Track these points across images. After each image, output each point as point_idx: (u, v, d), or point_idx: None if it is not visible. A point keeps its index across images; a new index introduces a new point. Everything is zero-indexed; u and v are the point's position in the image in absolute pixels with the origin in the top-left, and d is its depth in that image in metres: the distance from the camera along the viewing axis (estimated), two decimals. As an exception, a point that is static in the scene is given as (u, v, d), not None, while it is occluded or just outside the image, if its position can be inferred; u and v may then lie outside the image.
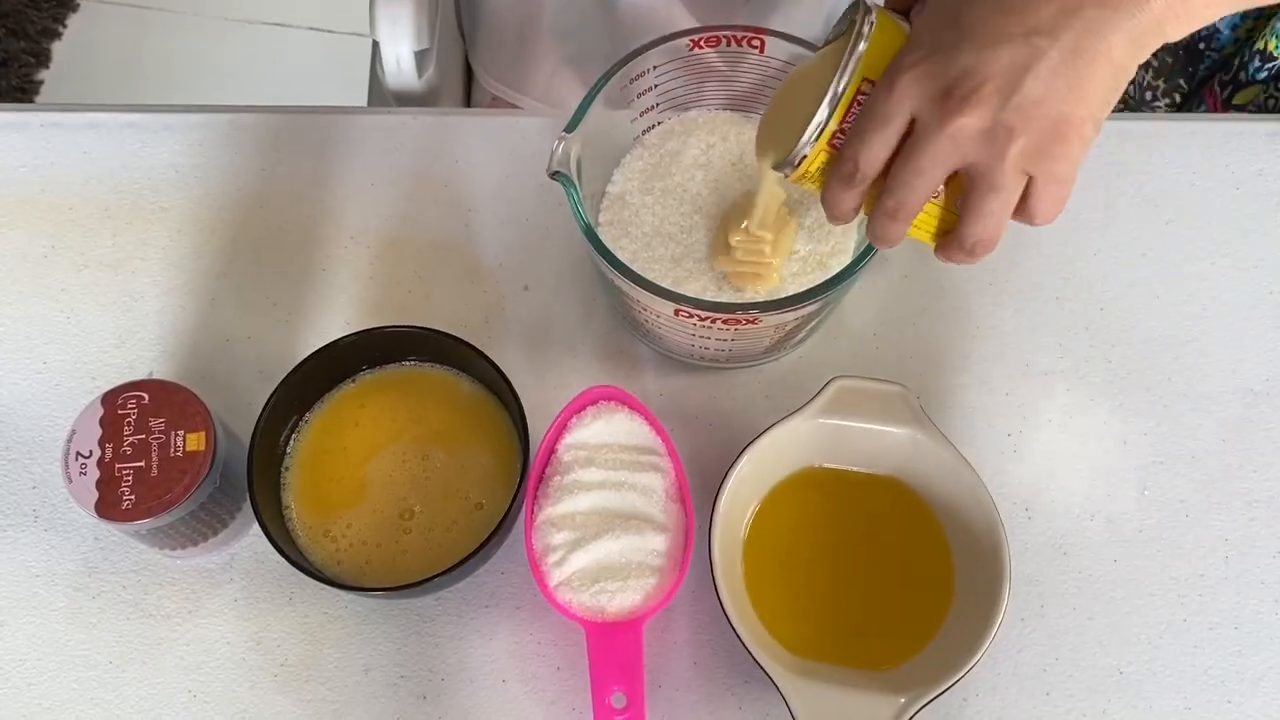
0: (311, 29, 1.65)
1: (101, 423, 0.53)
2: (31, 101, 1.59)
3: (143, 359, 0.63)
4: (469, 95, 0.91)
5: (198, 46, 1.64)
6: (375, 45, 0.75)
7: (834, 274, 0.54)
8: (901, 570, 0.56)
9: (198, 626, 0.57)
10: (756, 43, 0.58)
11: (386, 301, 0.64)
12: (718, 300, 0.53)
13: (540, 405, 0.60)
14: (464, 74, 0.89)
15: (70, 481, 0.52)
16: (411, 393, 0.58)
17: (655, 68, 0.59)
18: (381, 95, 0.77)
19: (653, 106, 0.61)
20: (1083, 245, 0.66)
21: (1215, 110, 0.80)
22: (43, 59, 1.65)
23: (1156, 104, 0.84)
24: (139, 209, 0.67)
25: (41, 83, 1.63)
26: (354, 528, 0.56)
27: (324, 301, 0.64)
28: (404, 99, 0.75)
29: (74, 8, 1.68)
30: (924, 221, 0.48)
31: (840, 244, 0.59)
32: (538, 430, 0.56)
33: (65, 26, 1.67)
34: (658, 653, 0.57)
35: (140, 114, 0.69)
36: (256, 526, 0.53)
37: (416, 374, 0.59)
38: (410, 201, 0.67)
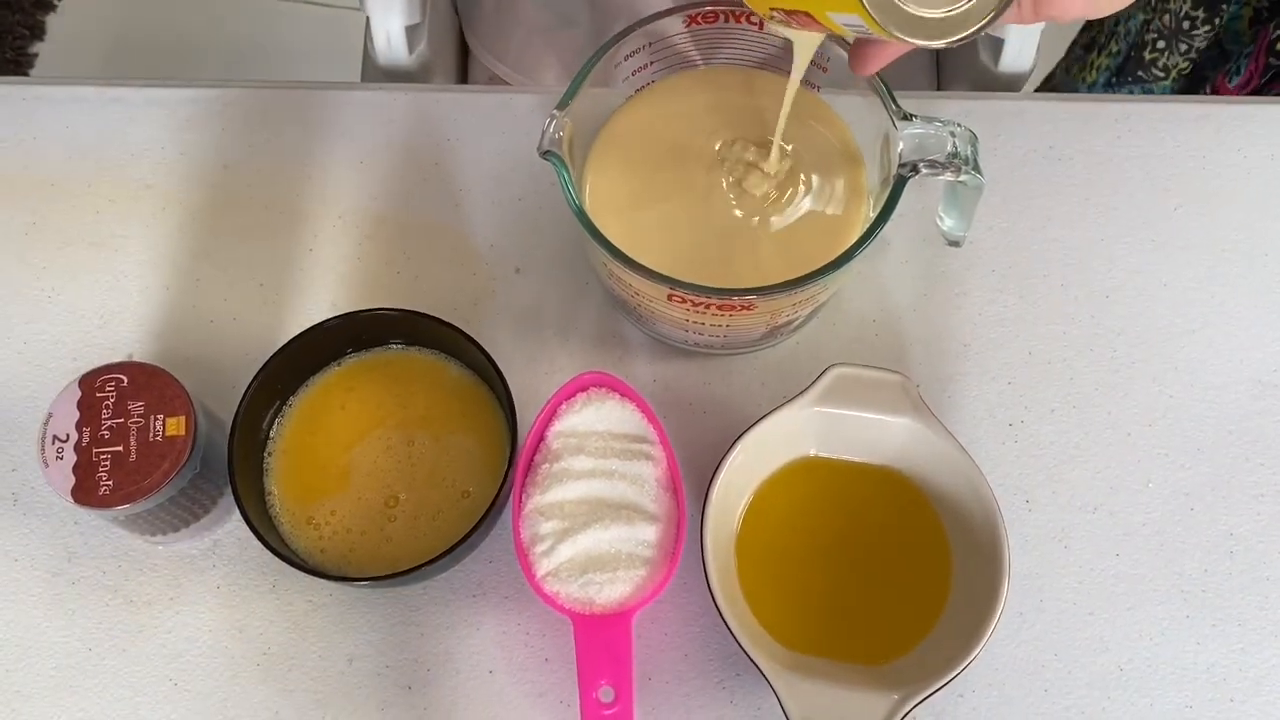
0: (308, 2, 1.62)
1: (79, 406, 0.52)
2: (26, 75, 1.57)
3: (125, 339, 0.62)
4: (465, 73, 0.89)
5: (195, 19, 1.62)
6: (368, 20, 0.73)
7: (831, 259, 0.52)
8: (898, 563, 0.55)
9: (179, 614, 0.56)
10: (755, 19, 0.56)
11: (374, 282, 0.63)
12: (712, 285, 0.51)
13: (530, 391, 0.59)
14: (458, 51, 0.88)
15: (47, 466, 0.51)
16: (397, 377, 0.57)
17: (650, 44, 0.57)
18: (375, 71, 0.75)
19: (648, 85, 0.59)
20: (1088, 230, 0.64)
21: (1260, 58, 0.77)
22: (37, 31, 1.63)
23: (1195, 33, 0.81)
24: (123, 185, 0.65)
25: (36, 55, 1.61)
26: (338, 515, 0.54)
27: (310, 282, 0.63)
28: (395, 75, 0.73)
29: (69, -21, 1.66)
30: None
31: (838, 227, 0.57)
32: (526, 417, 0.54)
33: (60, -1, 1.65)
34: (647, 645, 0.55)
35: (126, 88, 0.68)
36: (238, 512, 0.52)
37: (403, 358, 0.57)
38: (400, 180, 0.65)
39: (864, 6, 0.41)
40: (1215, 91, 0.84)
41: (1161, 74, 0.86)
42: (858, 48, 0.51)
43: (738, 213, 0.57)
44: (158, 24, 1.62)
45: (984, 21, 0.42)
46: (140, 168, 0.66)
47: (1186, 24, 0.82)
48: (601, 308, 0.62)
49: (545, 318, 0.62)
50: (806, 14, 0.45)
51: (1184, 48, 0.84)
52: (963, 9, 0.42)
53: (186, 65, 1.58)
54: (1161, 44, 0.85)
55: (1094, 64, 0.92)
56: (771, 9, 0.48)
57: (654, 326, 0.59)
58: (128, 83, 0.68)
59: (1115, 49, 0.89)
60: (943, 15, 0.42)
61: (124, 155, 0.66)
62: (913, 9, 0.41)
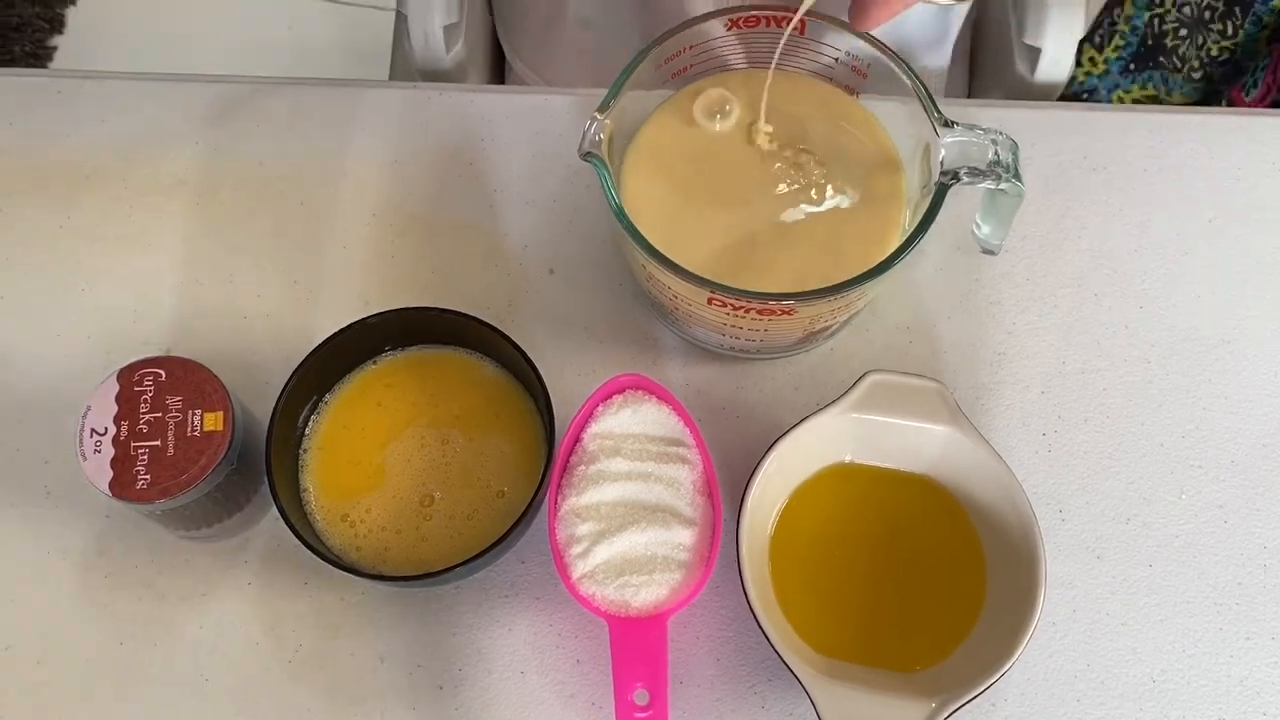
0: (327, 0, 1.62)
1: (117, 400, 0.52)
2: (45, 68, 1.57)
3: (159, 334, 0.62)
4: (500, 75, 0.89)
5: (212, 15, 1.62)
6: (400, 19, 0.73)
7: (868, 265, 0.52)
8: (933, 570, 0.54)
9: (211, 609, 0.56)
10: (797, 23, 0.56)
11: (407, 282, 0.63)
12: (753, 290, 0.51)
13: (562, 392, 0.58)
14: (493, 51, 0.88)
15: (85, 459, 0.51)
16: (433, 376, 0.57)
17: (691, 48, 0.57)
18: (404, 70, 0.75)
19: (687, 87, 0.59)
20: (1122, 242, 0.64)
21: (1279, 71, 0.78)
22: (57, 24, 1.63)
23: (1213, 26, 0.81)
24: (157, 181, 0.65)
25: (55, 49, 1.61)
26: (373, 513, 0.54)
27: (344, 280, 0.63)
28: (431, 75, 0.73)
29: (89, -27, 1.66)
30: None
31: (877, 234, 0.57)
32: (559, 418, 0.54)
33: (80, -8, 1.65)
34: (681, 649, 0.55)
35: (160, 83, 0.68)
36: (273, 509, 0.52)
37: (439, 357, 0.57)
38: (434, 179, 0.65)
39: None
40: (1232, 104, 0.84)
41: (1179, 64, 0.86)
42: (858, 2, 0.51)
43: (776, 217, 0.57)
44: (179, 18, 1.62)
45: None
46: (174, 163, 0.66)
47: (1207, 14, 0.82)
48: (635, 310, 0.62)
49: (578, 320, 0.62)
50: None
51: (1200, 40, 0.83)
52: None
53: (203, 60, 1.58)
54: (1184, 32, 0.84)
55: (1097, 60, 0.91)
56: None
57: (689, 330, 0.59)
58: (162, 77, 0.68)
59: (1121, 43, 0.89)
60: None
61: (157, 150, 0.66)
62: None
